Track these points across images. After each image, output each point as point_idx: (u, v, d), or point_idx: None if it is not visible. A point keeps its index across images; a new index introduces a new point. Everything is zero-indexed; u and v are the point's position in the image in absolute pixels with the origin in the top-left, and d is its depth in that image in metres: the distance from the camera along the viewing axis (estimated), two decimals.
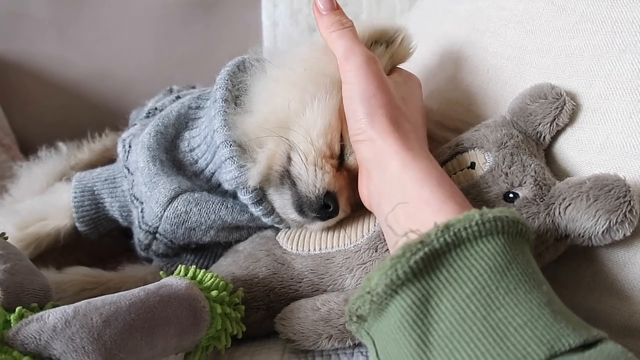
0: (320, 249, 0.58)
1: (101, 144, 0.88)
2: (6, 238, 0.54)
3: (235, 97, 0.60)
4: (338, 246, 0.57)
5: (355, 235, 0.57)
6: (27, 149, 0.98)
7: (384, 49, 0.61)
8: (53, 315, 0.41)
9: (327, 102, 0.55)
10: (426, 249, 0.36)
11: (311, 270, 0.57)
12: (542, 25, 0.62)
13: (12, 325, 0.40)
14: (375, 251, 0.55)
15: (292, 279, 0.57)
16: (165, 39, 1.10)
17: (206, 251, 0.67)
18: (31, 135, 1.05)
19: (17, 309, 0.41)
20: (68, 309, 0.41)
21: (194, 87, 0.87)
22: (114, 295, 0.44)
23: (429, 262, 0.37)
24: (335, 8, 0.57)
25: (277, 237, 0.62)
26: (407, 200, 0.45)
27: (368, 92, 0.52)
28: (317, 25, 0.58)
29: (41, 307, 0.45)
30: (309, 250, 0.58)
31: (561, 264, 0.53)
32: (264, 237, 0.63)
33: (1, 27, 1.04)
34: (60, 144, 0.85)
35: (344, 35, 0.55)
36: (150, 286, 0.47)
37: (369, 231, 0.57)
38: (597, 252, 0.51)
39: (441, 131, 0.72)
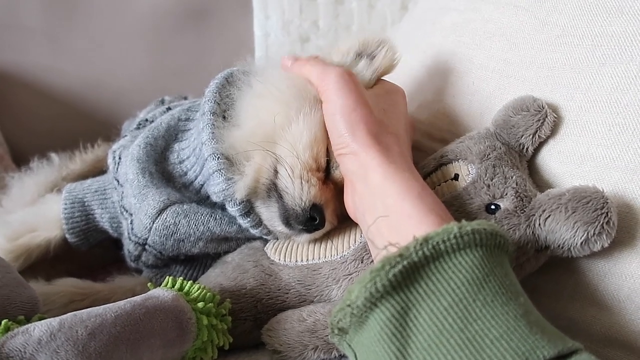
0: (307, 260, 0.59)
1: (93, 154, 0.88)
2: None
3: (223, 110, 0.61)
4: (325, 257, 0.58)
5: (342, 247, 0.58)
6: (20, 159, 0.99)
7: (368, 61, 0.61)
8: (38, 328, 0.41)
9: (313, 116, 0.56)
10: (405, 262, 0.37)
11: (298, 281, 0.57)
12: (525, 38, 0.63)
13: None
14: (361, 262, 0.56)
15: (279, 289, 0.58)
16: (157, 49, 1.11)
17: (195, 262, 0.67)
18: (24, 145, 1.05)
19: (3, 321, 0.42)
20: (53, 321, 0.42)
21: (185, 98, 0.88)
22: (100, 308, 0.45)
23: (408, 275, 0.37)
24: (296, 59, 0.62)
25: (265, 248, 0.62)
26: (388, 213, 0.46)
27: (347, 107, 0.53)
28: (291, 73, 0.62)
29: (28, 320, 0.46)
30: (296, 261, 0.59)
31: (543, 275, 0.53)
32: (252, 248, 0.63)
33: None
34: (52, 155, 0.86)
35: (314, 63, 0.59)
36: (137, 298, 0.48)
37: (355, 242, 0.58)
38: (578, 263, 0.52)
39: (429, 142, 0.73)
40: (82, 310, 0.44)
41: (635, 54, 0.51)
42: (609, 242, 0.46)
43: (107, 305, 0.46)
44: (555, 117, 0.56)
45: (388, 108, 0.57)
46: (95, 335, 0.42)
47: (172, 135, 0.66)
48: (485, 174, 0.53)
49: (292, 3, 1.09)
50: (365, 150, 0.50)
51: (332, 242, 0.59)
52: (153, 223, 0.61)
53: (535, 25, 0.62)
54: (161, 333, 0.46)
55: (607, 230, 0.46)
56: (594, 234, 0.45)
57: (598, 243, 0.46)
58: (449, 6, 0.79)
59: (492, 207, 0.51)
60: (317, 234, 0.59)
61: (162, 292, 0.50)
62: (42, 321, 0.42)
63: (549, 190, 0.51)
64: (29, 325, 0.42)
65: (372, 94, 0.58)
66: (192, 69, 1.13)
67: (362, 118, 0.52)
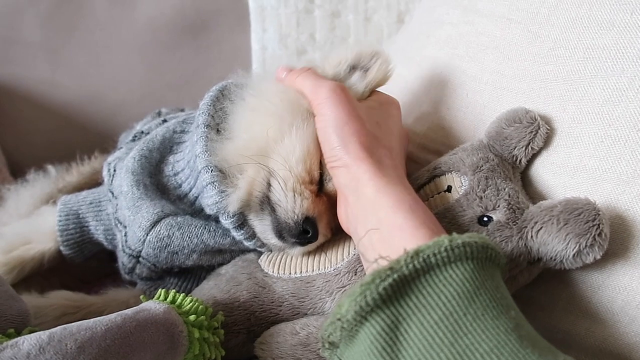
0: (301, 272, 0.58)
1: (90, 166, 0.88)
2: None
3: (217, 123, 0.61)
4: (318, 269, 0.58)
5: (335, 259, 0.58)
6: (17, 171, 0.99)
7: (362, 73, 0.62)
8: (28, 342, 0.41)
9: (305, 129, 0.56)
10: (395, 276, 0.37)
11: (292, 293, 0.57)
12: (518, 51, 0.63)
13: None
14: (355, 274, 0.55)
15: (272, 302, 0.57)
16: (155, 63, 1.12)
17: (189, 274, 0.67)
18: (21, 158, 1.06)
19: None
20: (43, 334, 0.42)
21: (182, 110, 0.88)
22: (91, 321, 0.45)
23: (398, 288, 0.37)
24: (290, 70, 0.62)
25: (259, 261, 0.62)
26: (380, 226, 0.46)
27: (339, 120, 0.53)
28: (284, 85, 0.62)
29: (18, 333, 0.45)
30: (290, 273, 0.59)
31: (538, 287, 0.53)
32: (246, 261, 0.63)
33: None
34: (49, 167, 0.86)
35: (306, 77, 0.59)
36: (128, 311, 0.47)
37: (349, 254, 0.57)
38: (572, 275, 0.51)
39: (423, 153, 0.73)
40: (73, 324, 0.44)
41: (626, 66, 0.52)
42: (601, 254, 0.46)
43: (98, 318, 0.45)
44: (547, 129, 0.56)
45: (381, 121, 0.58)
46: (85, 348, 0.42)
47: (167, 147, 0.66)
48: (478, 186, 0.53)
49: (289, 16, 1.10)
50: (357, 164, 0.50)
51: (326, 254, 0.59)
52: (147, 235, 0.61)
53: (528, 38, 0.62)
54: (152, 346, 0.46)
55: (599, 242, 0.45)
56: (585, 245, 0.45)
57: (590, 255, 0.46)
58: (444, 20, 0.80)
59: (485, 219, 0.51)
60: (311, 246, 0.59)
61: (154, 304, 0.50)
62: (32, 334, 0.42)
63: (541, 202, 0.51)
64: (19, 338, 0.41)
65: (365, 107, 0.58)
66: (190, 82, 1.13)
67: (354, 131, 0.52)
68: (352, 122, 0.53)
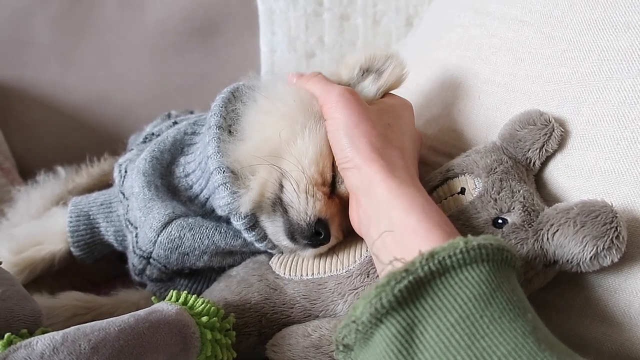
0: (312, 274, 0.58)
1: (99, 168, 0.88)
2: (0, 263, 0.54)
3: (229, 124, 0.61)
4: (330, 271, 0.57)
5: (348, 261, 0.58)
6: (27, 173, 0.99)
7: (375, 76, 0.62)
8: (41, 342, 0.41)
9: (318, 131, 0.56)
10: (411, 277, 0.37)
11: (303, 295, 0.57)
12: (531, 53, 0.63)
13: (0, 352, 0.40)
14: (367, 276, 0.55)
15: (284, 304, 0.57)
16: (164, 65, 1.12)
17: (200, 276, 0.67)
18: (31, 159, 1.06)
19: (6, 335, 0.42)
20: (57, 335, 0.42)
21: (192, 112, 0.88)
22: (104, 322, 0.44)
23: (414, 290, 0.37)
24: (301, 75, 0.63)
25: (270, 262, 0.62)
26: (393, 228, 0.46)
27: (350, 122, 0.53)
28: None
29: (31, 333, 0.45)
30: (301, 275, 0.58)
31: (553, 290, 0.53)
32: (257, 262, 0.63)
33: (4, 54, 1.07)
34: (59, 168, 0.86)
35: (316, 82, 0.60)
36: (140, 312, 0.47)
37: (361, 256, 0.57)
38: (588, 279, 0.51)
39: (435, 156, 0.73)
40: (86, 324, 0.44)
41: None
42: (618, 257, 0.46)
43: (111, 319, 0.45)
44: (562, 131, 0.56)
45: (393, 122, 0.57)
46: (99, 349, 0.42)
47: (178, 149, 0.66)
48: (492, 188, 0.53)
49: (298, 19, 1.10)
50: (369, 165, 0.50)
51: (338, 256, 0.59)
52: (158, 236, 0.61)
53: (541, 40, 0.62)
54: (164, 347, 0.46)
55: (617, 245, 0.45)
56: (603, 248, 0.45)
57: (608, 258, 0.45)
58: (455, 22, 0.79)
59: (499, 221, 0.51)
60: (322, 248, 0.58)
61: (166, 306, 0.50)
62: (45, 335, 0.42)
63: (556, 204, 0.50)
64: (32, 339, 0.41)
65: (376, 110, 0.58)
66: (199, 85, 1.14)
67: (364, 133, 0.53)
68: (362, 124, 0.53)
